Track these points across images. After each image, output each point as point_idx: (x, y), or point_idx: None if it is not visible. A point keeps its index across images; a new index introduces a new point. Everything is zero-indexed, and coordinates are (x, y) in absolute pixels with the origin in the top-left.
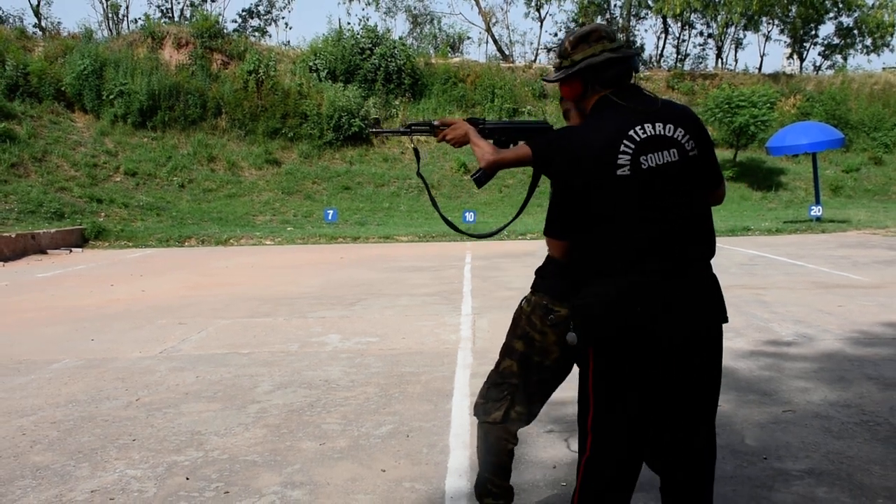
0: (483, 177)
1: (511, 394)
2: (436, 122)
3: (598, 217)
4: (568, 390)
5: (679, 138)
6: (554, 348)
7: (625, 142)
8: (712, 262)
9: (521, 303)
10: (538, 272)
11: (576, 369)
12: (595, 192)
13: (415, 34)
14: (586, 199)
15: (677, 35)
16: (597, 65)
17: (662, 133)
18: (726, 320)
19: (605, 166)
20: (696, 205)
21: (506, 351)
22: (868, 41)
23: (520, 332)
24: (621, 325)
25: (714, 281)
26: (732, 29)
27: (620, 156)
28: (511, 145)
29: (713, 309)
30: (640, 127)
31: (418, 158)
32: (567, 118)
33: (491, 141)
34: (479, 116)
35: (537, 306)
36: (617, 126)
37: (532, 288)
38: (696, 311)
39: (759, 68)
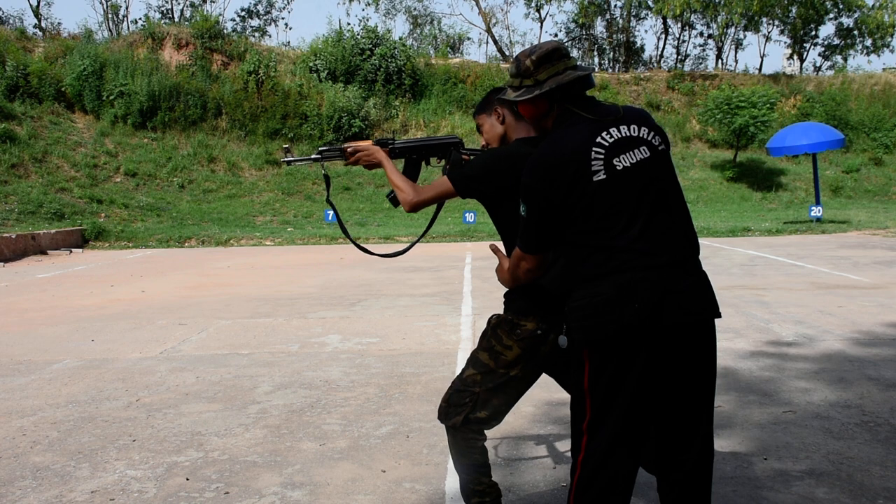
0: (396, 200)
1: (472, 401)
2: (345, 147)
3: (583, 224)
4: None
5: (645, 136)
6: (518, 362)
7: (595, 149)
8: (712, 262)
9: (490, 317)
10: (506, 294)
11: (540, 381)
12: (578, 200)
13: (415, 35)
14: (570, 209)
15: (677, 36)
16: (565, 85)
17: (629, 134)
18: (719, 315)
19: (582, 175)
20: (680, 201)
21: (471, 361)
22: (868, 42)
23: (486, 345)
24: (617, 324)
25: (705, 276)
26: (732, 29)
27: (593, 162)
28: (423, 163)
29: (708, 304)
30: (606, 133)
31: (328, 185)
32: (497, 142)
33: (403, 159)
34: (389, 137)
35: (504, 321)
36: (585, 136)
37: (504, 307)
38: (693, 307)
39: (760, 69)
